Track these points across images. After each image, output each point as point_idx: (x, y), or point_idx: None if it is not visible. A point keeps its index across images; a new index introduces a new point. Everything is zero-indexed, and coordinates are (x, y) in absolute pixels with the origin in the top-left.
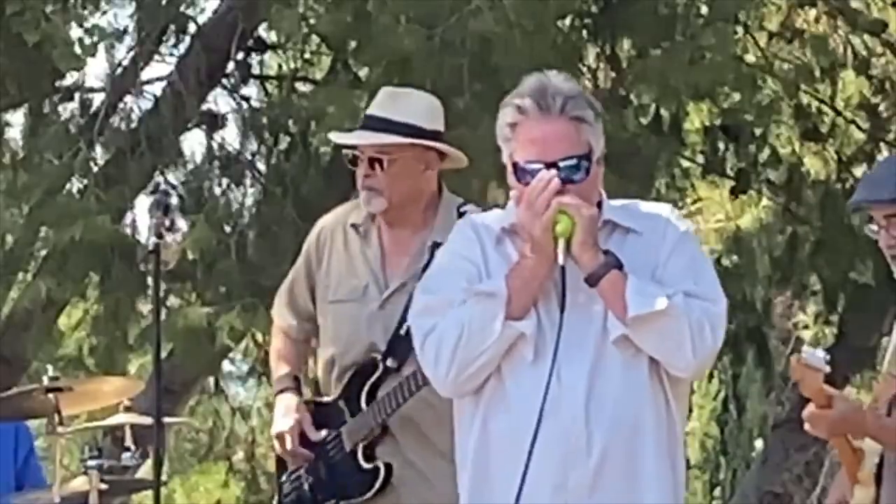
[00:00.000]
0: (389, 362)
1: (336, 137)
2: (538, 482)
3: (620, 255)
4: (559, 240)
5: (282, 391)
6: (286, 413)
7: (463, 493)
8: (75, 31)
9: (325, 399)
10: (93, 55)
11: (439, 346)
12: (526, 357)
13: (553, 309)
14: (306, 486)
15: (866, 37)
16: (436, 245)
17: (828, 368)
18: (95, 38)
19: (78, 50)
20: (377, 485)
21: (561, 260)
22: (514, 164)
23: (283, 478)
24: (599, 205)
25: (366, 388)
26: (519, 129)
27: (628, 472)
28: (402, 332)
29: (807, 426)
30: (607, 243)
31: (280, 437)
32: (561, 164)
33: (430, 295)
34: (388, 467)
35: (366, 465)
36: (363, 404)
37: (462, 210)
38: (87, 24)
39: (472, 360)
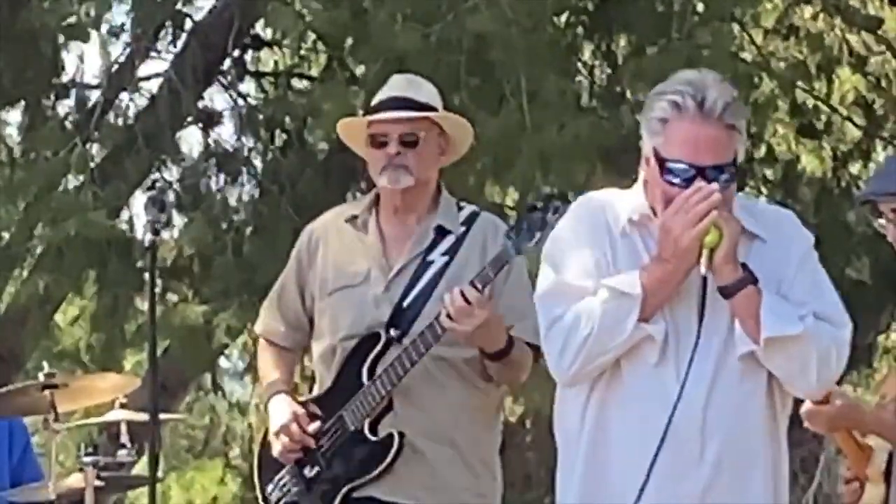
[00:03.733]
0: (392, 332)
1: (373, 116)
2: (648, 488)
3: (747, 262)
4: (704, 250)
5: (273, 395)
6: (282, 412)
7: (573, 480)
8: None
9: (320, 393)
10: (97, 28)
11: (567, 337)
12: (649, 360)
13: (679, 316)
14: (303, 486)
15: (863, 34)
16: (440, 228)
17: None
18: (101, 10)
19: (83, 18)
20: (392, 453)
21: (703, 270)
22: (660, 160)
23: (270, 487)
24: (730, 209)
25: (367, 362)
26: (672, 125)
27: (736, 486)
28: (405, 304)
29: (806, 422)
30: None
31: (280, 431)
32: (709, 171)
33: (560, 277)
34: (402, 435)
35: (374, 438)
36: (364, 379)
37: (461, 205)
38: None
39: (598, 356)
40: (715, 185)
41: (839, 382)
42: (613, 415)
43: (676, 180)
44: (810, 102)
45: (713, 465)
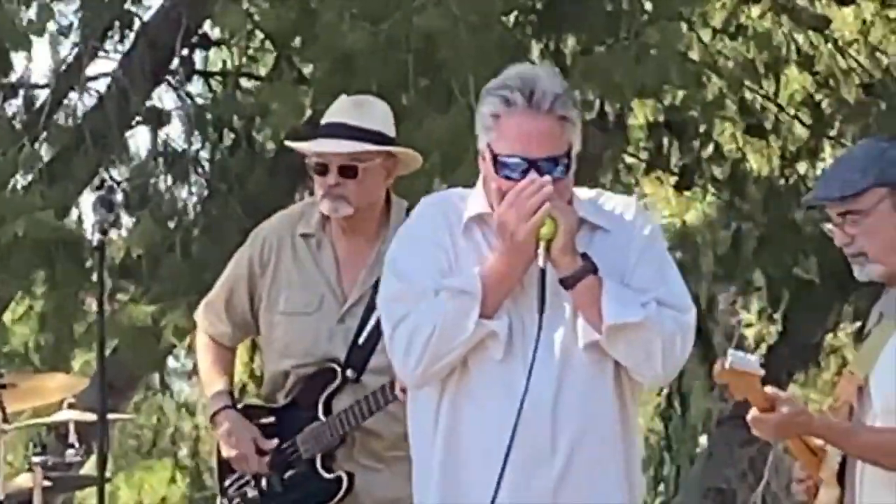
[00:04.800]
0: (349, 373)
1: (316, 148)
2: (502, 484)
3: (589, 253)
4: (540, 242)
5: (221, 409)
6: (232, 433)
7: (431, 483)
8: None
9: (274, 405)
10: (40, 35)
11: (411, 338)
12: (495, 356)
13: (523, 309)
14: (256, 492)
15: (810, 33)
16: None
17: (762, 371)
18: (43, 19)
19: (26, 29)
20: (341, 493)
21: (541, 262)
22: (494, 156)
23: (228, 482)
24: (570, 201)
25: (323, 397)
26: (503, 121)
27: (590, 476)
28: (361, 341)
29: (752, 430)
30: (578, 242)
31: (238, 460)
32: (542, 163)
33: (401, 281)
34: (351, 476)
35: (327, 475)
36: (320, 414)
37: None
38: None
39: (442, 356)
40: (547, 178)
41: (788, 382)
42: (465, 413)
43: (511, 174)
44: (758, 101)
45: (565, 457)
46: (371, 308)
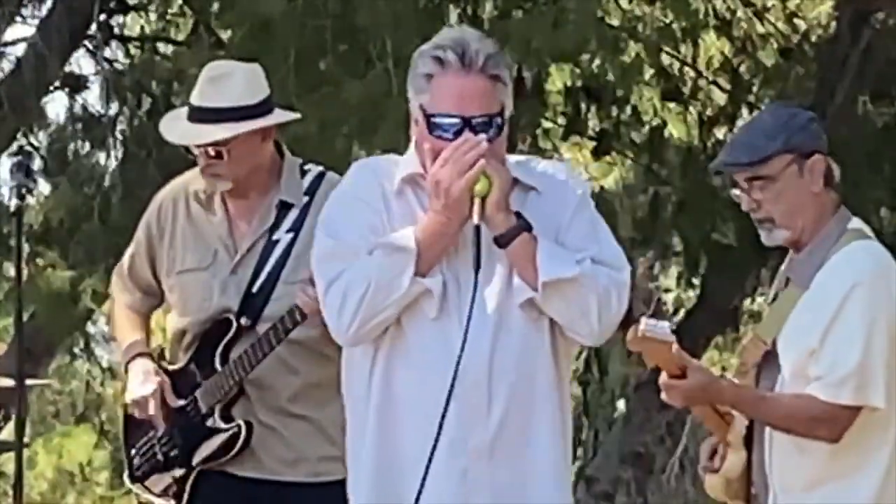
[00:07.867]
0: (243, 321)
1: (171, 138)
2: (440, 444)
3: (523, 212)
4: (475, 199)
5: (134, 357)
6: (145, 378)
7: (365, 444)
8: None
9: (174, 366)
10: None
11: (345, 296)
12: (428, 313)
13: (457, 267)
14: (160, 456)
15: None
16: (283, 203)
17: (673, 338)
18: None
19: None
20: (239, 444)
21: (476, 219)
22: (427, 116)
23: (133, 451)
24: (502, 163)
25: (219, 349)
26: (437, 81)
27: (525, 434)
28: (255, 290)
29: (662, 396)
30: (511, 201)
31: (140, 403)
32: (476, 122)
33: (334, 239)
34: (249, 425)
35: (224, 426)
36: (217, 365)
37: (305, 168)
38: None
39: (376, 313)
40: (482, 136)
41: (706, 346)
42: (399, 373)
43: (445, 134)
44: (676, 66)
45: (500, 416)
46: (264, 257)
